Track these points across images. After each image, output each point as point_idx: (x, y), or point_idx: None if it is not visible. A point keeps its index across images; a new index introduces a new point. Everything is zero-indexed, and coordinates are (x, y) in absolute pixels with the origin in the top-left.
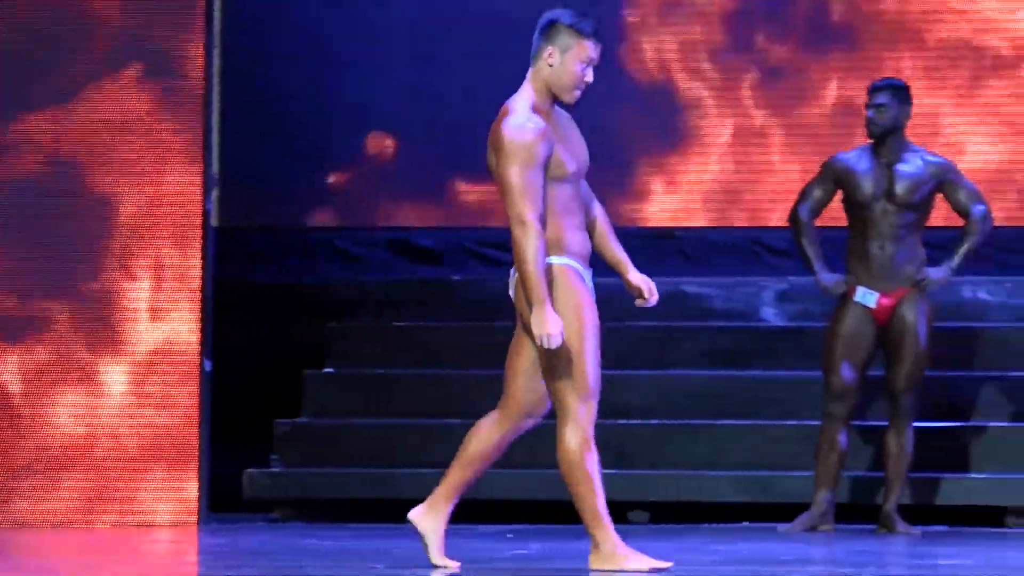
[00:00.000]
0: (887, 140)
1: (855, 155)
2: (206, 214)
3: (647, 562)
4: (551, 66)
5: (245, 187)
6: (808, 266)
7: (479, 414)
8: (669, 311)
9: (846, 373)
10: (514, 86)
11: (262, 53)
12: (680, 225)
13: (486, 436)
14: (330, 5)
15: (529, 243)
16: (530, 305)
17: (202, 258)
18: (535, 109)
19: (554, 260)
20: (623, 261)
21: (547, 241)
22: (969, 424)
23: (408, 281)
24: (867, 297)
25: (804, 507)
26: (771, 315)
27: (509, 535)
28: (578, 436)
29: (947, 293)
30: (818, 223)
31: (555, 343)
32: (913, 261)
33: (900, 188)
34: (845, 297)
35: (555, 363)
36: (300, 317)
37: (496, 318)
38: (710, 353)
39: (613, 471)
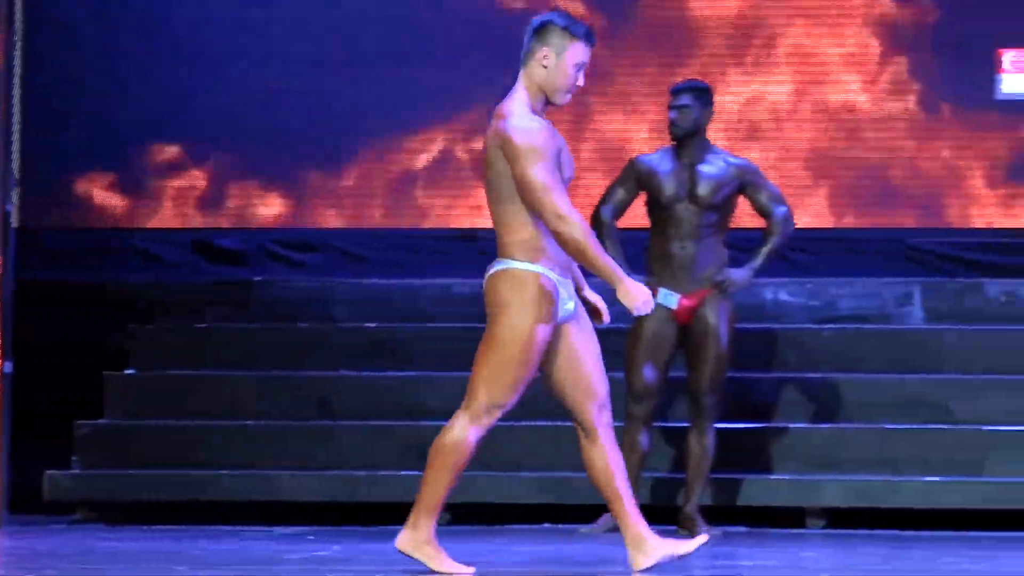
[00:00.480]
0: (689, 141)
1: (658, 156)
2: (5, 215)
3: (452, 567)
4: (545, 67)
5: (46, 187)
6: None
7: (279, 415)
8: (471, 312)
9: (647, 374)
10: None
11: (62, 53)
12: (482, 226)
13: (600, 463)
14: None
15: (579, 234)
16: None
17: (2, 258)
18: (532, 110)
19: (528, 266)
20: (578, 279)
21: (526, 246)
22: (770, 425)
23: (209, 282)
24: (668, 298)
25: (605, 508)
26: None
27: (309, 536)
28: (466, 433)
29: (749, 295)
30: (620, 224)
31: (649, 308)
32: (715, 262)
33: (702, 189)
34: None
35: (487, 357)
36: (102, 318)
37: (297, 319)
38: None
39: (417, 472)
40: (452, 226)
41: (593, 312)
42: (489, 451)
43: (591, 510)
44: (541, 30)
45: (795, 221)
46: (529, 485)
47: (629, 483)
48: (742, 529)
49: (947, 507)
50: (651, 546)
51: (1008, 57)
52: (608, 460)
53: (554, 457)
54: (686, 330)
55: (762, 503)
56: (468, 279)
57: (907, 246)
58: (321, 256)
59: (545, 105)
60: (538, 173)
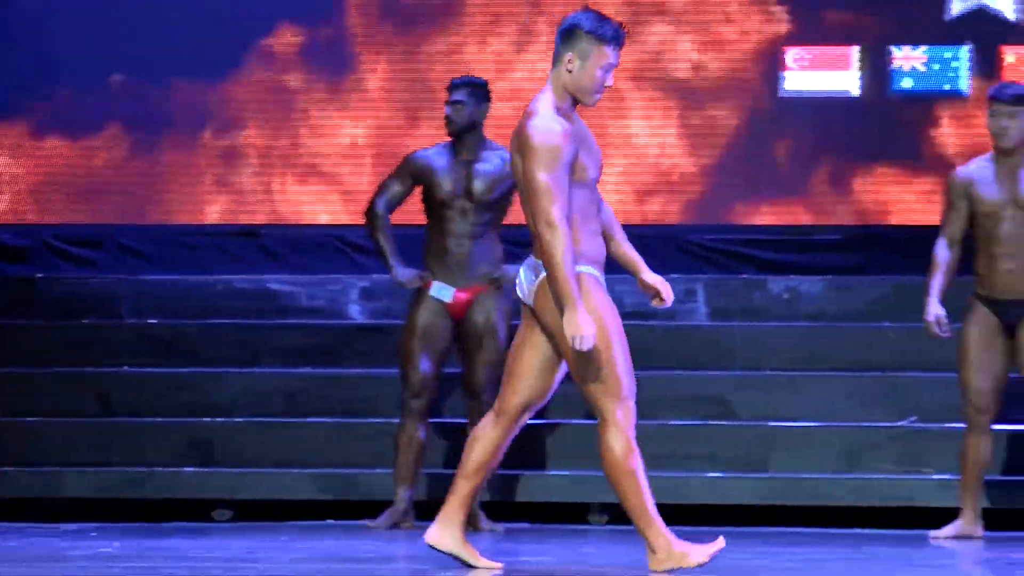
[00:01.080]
0: (465, 137)
1: (434, 152)
2: None
3: (705, 551)
4: (570, 71)
5: None
6: (384, 260)
7: (63, 412)
8: (255, 308)
9: (423, 367)
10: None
11: None
12: (267, 222)
13: (488, 440)
14: None
15: (559, 245)
16: (560, 308)
17: None
18: (558, 111)
19: (580, 267)
20: (637, 262)
21: None
22: (552, 422)
23: None
24: (443, 291)
25: (389, 504)
26: (356, 312)
27: (92, 533)
28: (621, 440)
29: None
30: (405, 220)
31: (588, 344)
32: (490, 259)
33: (478, 186)
34: (421, 291)
35: (587, 370)
36: None
37: (81, 316)
38: (296, 350)
39: (199, 469)
40: (234, 222)
41: (655, 294)
42: (272, 448)
43: (375, 506)
44: (568, 34)
45: None
46: (311, 481)
47: (483, 484)
48: (524, 525)
49: (732, 503)
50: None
51: (791, 55)
52: (494, 448)
53: (335, 453)
54: (461, 325)
55: (544, 499)
56: (251, 275)
57: (689, 242)
58: (104, 253)
59: (574, 104)
60: (541, 175)
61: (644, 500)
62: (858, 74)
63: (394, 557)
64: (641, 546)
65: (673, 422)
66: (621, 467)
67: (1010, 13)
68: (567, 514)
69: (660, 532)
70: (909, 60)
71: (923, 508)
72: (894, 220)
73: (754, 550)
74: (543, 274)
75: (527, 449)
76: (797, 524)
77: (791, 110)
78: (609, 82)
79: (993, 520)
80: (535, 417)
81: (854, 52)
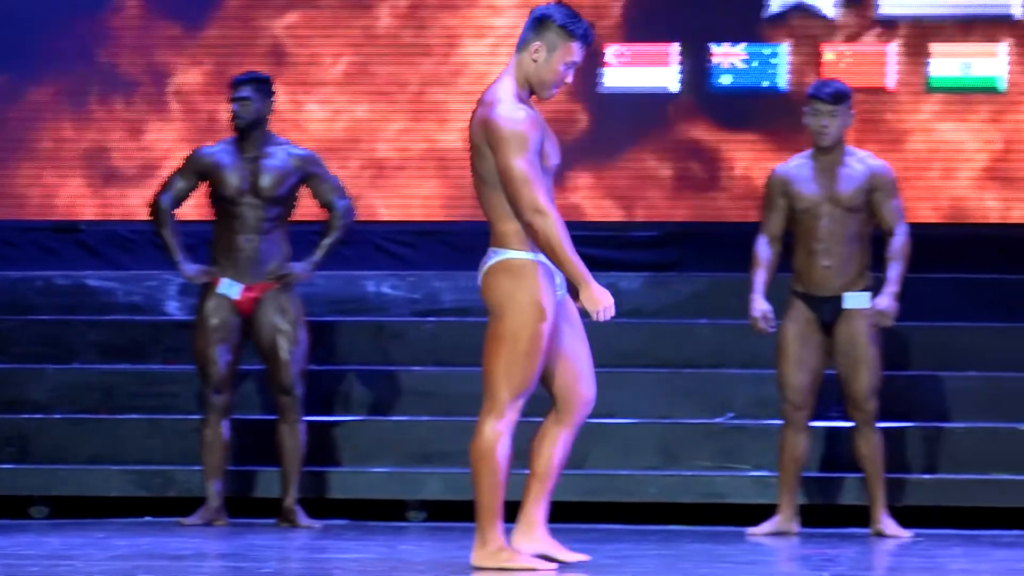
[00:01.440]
0: (251, 134)
1: (220, 148)
2: None
3: (532, 563)
4: (535, 61)
5: None
6: (170, 256)
7: None
8: (72, 304)
9: (221, 362)
10: None
11: None
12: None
13: (553, 441)
14: None
15: (554, 229)
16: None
17: None
18: (518, 99)
19: (525, 255)
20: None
21: (522, 235)
22: (372, 419)
23: None
24: (231, 288)
25: (201, 502)
26: (174, 308)
27: None
28: (494, 433)
29: (352, 286)
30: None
31: (610, 315)
32: (277, 255)
33: (265, 182)
34: (209, 287)
35: (497, 354)
36: None
37: None
38: (112, 347)
39: (14, 465)
40: (51, 218)
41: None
42: (88, 444)
43: (194, 502)
44: (538, 23)
45: (401, 214)
46: (128, 478)
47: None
48: (343, 522)
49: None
50: (538, 535)
51: (611, 51)
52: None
53: (152, 451)
54: (251, 323)
55: (363, 496)
56: (69, 271)
57: None
58: None
59: (530, 94)
60: (520, 163)
61: (495, 498)
62: (678, 70)
63: (208, 554)
64: (458, 542)
65: None
66: (484, 457)
67: (829, 10)
68: (385, 511)
69: (496, 533)
70: (728, 57)
71: (739, 505)
72: (711, 216)
73: (571, 546)
74: (495, 258)
75: (345, 446)
76: (614, 520)
77: (611, 106)
78: (569, 79)
79: (810, 516)
80: (350, 413)
81: (674, 49)
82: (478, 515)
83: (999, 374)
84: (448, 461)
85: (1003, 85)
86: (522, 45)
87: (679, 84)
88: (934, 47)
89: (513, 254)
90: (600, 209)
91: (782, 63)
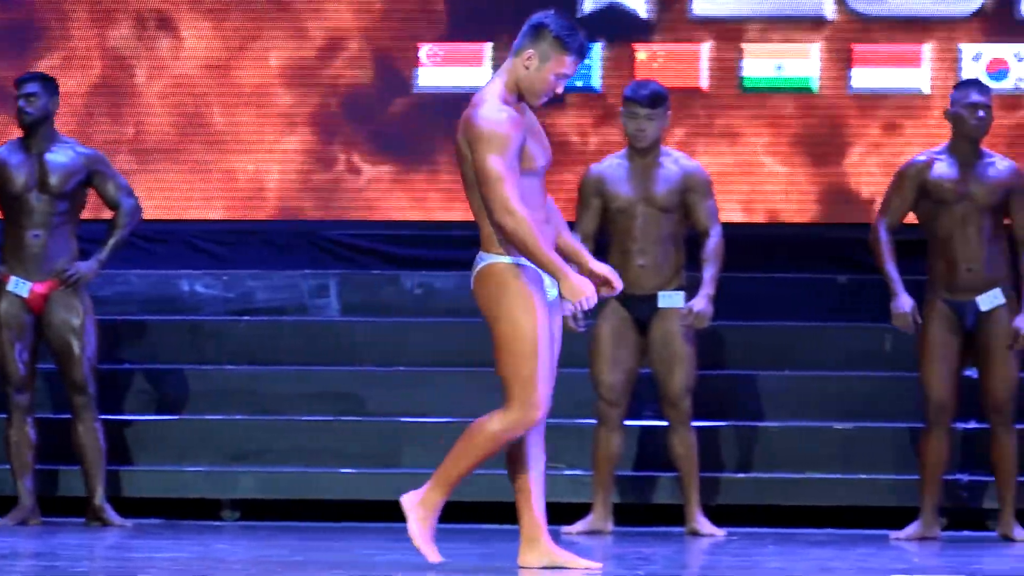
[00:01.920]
0: (38, 130)
1: (7, 148)
2: None
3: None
4: (527, 68)
5: None
6: None
7: None
8: None
9: (20, 360)
10: None
11: None
12: None
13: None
14: None
15: (525, 229)
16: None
17: None
18: (504, 101)
19: (506, 259)
20: (580, 252)
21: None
22: (184, 417)
23: None
24: (20, 286)
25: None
26: None
27: None
28: (501, 427)
29: (166, 285)
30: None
31: (592, 303)
32: (65, 253)
33: (53, 179)
34: (1, 286)
35: (504, 362)
36: None
37: None
38: None
39: None
40: None
41: (603, 282)
42: None
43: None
44: (534, 31)
45: (217, 213)
46: None
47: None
48: (157, 521)
49: (362, 498)
50: (544, 548)
51: (424, 51)
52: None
53: None
54: (42, 320)
55: (177, 495)
56: None
57: (322, 237)
58: None
59: (519, 99)
60: (493, 162)
61: (459, 476)
62: (490, 70)
63: (22, 554)
64: (272, 541)
65: (304, 418)
66: (478, 442)
67: (642, 10)
68: (199, 510)
69: (437, 501)
70: None
71: (554, 504)
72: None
73: (382, 546)
74: (480, 264)
75: (159, 444)
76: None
77: (425, 105)
78: (559, 89)
79: (625, 515)
80: (165, 412)
81: (487, 49)
82: (437, 476)
83: (813, 373)
84: (262, 460)
85: (815, 86)
86: (516, 50)
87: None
88: (747, 47)
89: (494, 259)
90: (416, 208)
91: (595, 63)
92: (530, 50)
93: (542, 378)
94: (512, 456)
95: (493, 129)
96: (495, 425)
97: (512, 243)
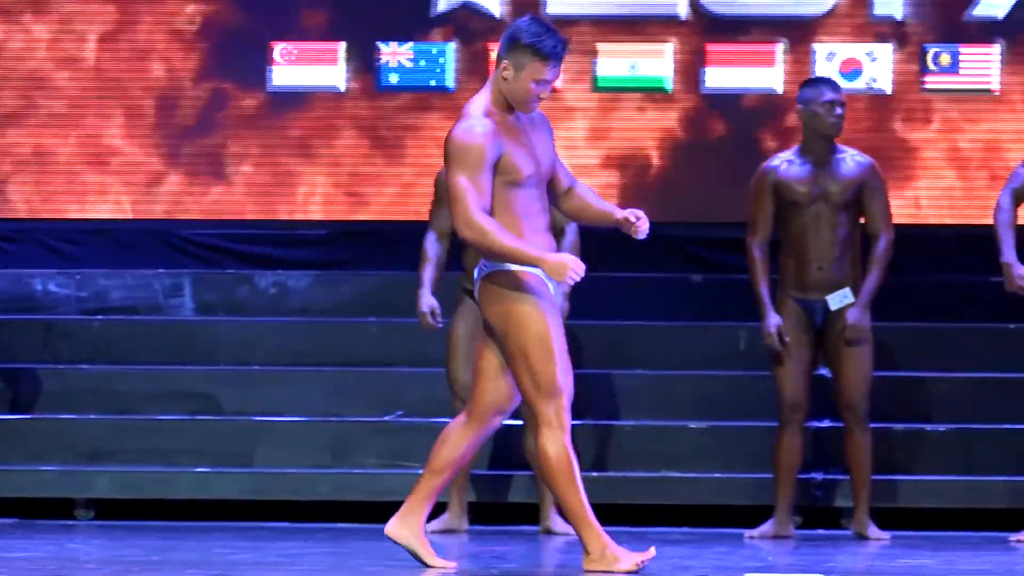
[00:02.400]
0: None
1: None
2: None
3: (636, 558)
4: (506, 79)
5: None
6: None
7: None
8: None
9: None
10: None
11: None
12: None
13: (456, 441)
14: None
15: (486, 237)
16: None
17: None
18: (488, 113)
19: (508, 267)
20: (607, 209)
21: None
22: (39, 416)
23: None
24: None
25: None
26: None
27: None
28: (555, 442)
29: (19, 285)
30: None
31: (580, 274)
32: None
33: None
34: None
35: (520, 373)
36: None
37: None
38: None
39: None
40: None
41: (629, 224)
42: None
43: None
44: (508, 41)
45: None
46: None
47: (447, 483)
48: (11, 521)
49: (218, 497)
50: (415, 528)
51: (278, 50)
52: (463, 449)
53: None
54: None
55: (31, 494)
56: None
57: (175, 237)
58: None
59: (511, 110)
60: (459, 179)
61: (581, 501)
62: (344, 69)
63: None
64: (127, 540)
65: (159, 417)
66: (556, 468)
67: (496, 9)
68: (54, 509)
69: (597, 534)
70: (396, 56)
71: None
72: (373, 215)
73: (237, 544)
74: (477, 278)
75: (13, 444)
76: (283, 519)
77: (280, 105)
78: (545, 94)
79: (480, 514)
80: (19, 411)
81: (341, 48)
82: (573, 526)
83: (667, 372)
84: (117, 459)
85: (669, 85)
86: (497, 61)
87: (345, 83)
88: (601, 47)
89: (497, 268)
90: (269, 207)
91: (449, 62)
92: (505, 60)
93: (560, 379)
94: (445, 435)
95: (461, 146)
96: (550, 449)
97: (483, 255)
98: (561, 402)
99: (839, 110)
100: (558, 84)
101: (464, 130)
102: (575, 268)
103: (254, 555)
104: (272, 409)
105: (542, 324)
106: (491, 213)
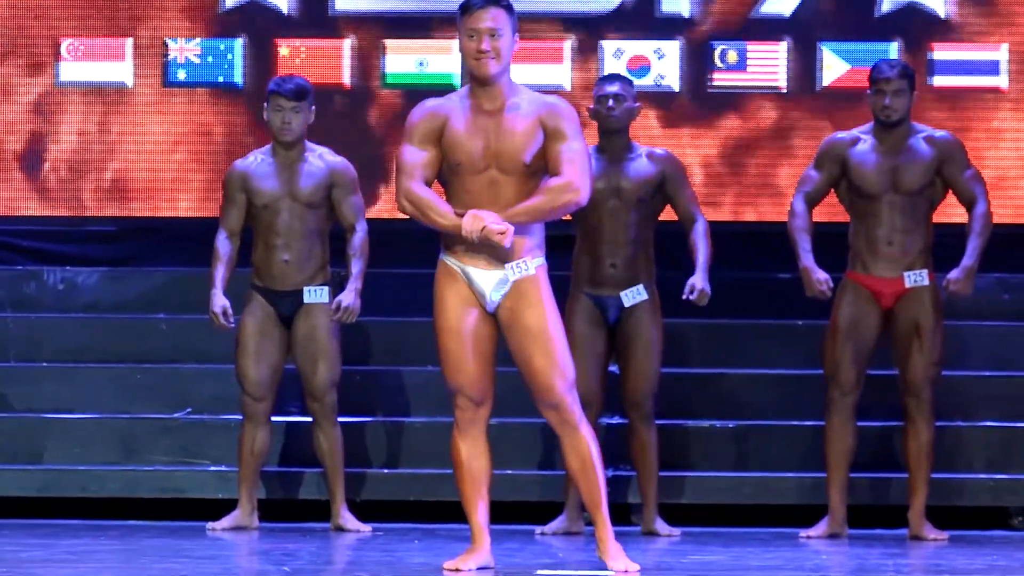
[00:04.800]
0: None
1: None
2: None
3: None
4: (461, 53)
5: None
6: None
7: None
8: None
9: None
10: None
11: None
12: None
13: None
14: None
15: (411, 208)
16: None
17: None
18: (459, 93)
19: (441, 256)
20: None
21: (444, 235)
22: None
23: None
24: None
25: None
26: None
27: None
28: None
29: None
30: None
31: (496, 227)
32: None
33: None
34: None
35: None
36: None
37: None
38: None
39: None
40: None
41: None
42: None
43: None
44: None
45: None
46: None
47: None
48: None
49: (8, 495)
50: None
51: (65, 45)
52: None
53: None
54: None
55: None
56: None
57: None
58: None
59: (483, 89)
60: (398, 155)
61: (464, 496)
62: (132, 65)
63: None
64: None
65: None
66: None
67: (284, 6)
68: None
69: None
70: (184, 52)
71: (199, 500)
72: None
73: (26, 542)
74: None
75: None
76: (72, 516)
77: (67, 100)
78: (484, 46)
79: (270, 511)
80: None
81: (128, 44)
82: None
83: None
84: None
85: (458, 82)
86: None
87: (133, 79)
88: (390, 43)
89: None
90: (58, 204)
91: (237, 58)
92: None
93: (451, 376)
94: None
95: (407, 123)
96: (591, 443)
97: (419, 221)
98: (456, 399)
99: (611, 103)
100: (347, 81)
101: (416, 106)
102: (488, 224)
103: (44, 552)
104: (61, 406)
105: (440, 319)
106: (446, 192)
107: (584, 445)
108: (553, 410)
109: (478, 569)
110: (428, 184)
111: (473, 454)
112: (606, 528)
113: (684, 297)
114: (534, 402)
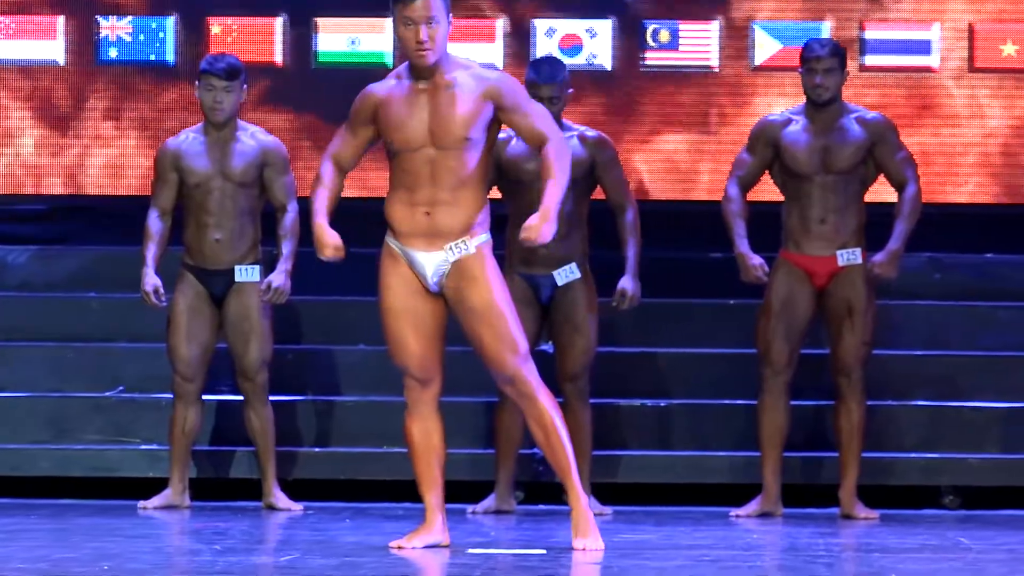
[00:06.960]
0: None
1: None
2: None
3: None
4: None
5: None
6: None
7: None
8: None
9: None
10: None
11: None
12: None
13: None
14: None
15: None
16: None
17: None
18: (397, 76)
19: (386, 239)
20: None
21: (388, 217)
22: None
23: None
24: None
25: None
26: None
27: None
28: (406, 406)
29: None
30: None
31: (329, 253)
32: None
33: None
34: None
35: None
36: None
37: None
38: None
39: None
40: None
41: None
42: None
43: None
44: None
45: None
46: None
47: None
48: None
49: None
50: None
51: None
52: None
53: None
54: None
55: None
56: None
57: None
58: None
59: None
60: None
61: (418, 473)
62: (64, 43)
63: None
64: None
65: None
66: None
67: None
68: None
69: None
70: (115, 30)
71: (130, 479)
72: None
73: None
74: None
75: None
76: (3, 495)
77: None
78: (422, 36)
79: (202, 490)
80: None
81: (60, 21)
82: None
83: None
84: None
85: (391, 61)
86: None
87: (64, 56)
88: (321, 22)
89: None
90: None
91: (169, 36)
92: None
93: (394, 353)
94: None
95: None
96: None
97: None
98: (404, 379)
99: (554, 101)
100: (279, 60)
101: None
102: (327, 252)
103: None
104: None
105: (381, 300)
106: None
107: (545, 415)
108: (509, 384)
109: (428, 547)
110: (349, 166)
111: (424, 433)
112: (576, 497)
113: (614, 305)
114: (492, 378)
